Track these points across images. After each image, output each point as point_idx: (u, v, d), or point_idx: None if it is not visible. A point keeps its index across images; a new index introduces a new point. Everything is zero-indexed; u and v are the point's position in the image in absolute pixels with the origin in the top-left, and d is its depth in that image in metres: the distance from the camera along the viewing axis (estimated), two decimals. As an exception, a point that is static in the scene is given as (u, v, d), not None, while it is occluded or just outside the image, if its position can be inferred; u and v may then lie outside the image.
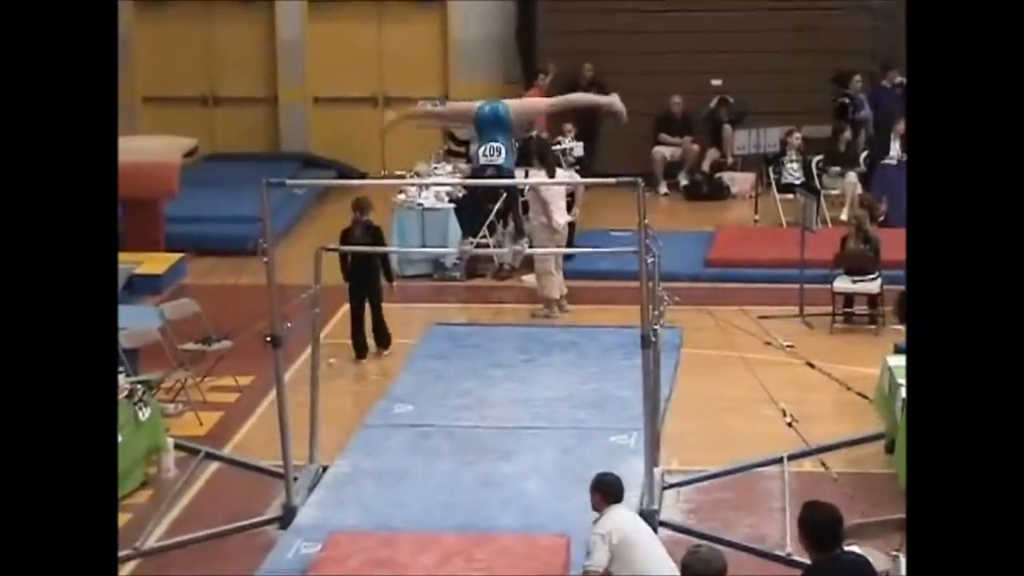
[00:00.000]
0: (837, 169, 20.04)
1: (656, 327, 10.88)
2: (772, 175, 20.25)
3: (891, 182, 19.23)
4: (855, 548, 7.80)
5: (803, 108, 21.04)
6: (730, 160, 21.67)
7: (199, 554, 10.90)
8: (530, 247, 14.54)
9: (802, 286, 16.07)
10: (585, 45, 21.41)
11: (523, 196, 16.01)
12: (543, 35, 22.05)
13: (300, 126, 23.09)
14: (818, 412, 13.01)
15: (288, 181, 12.05)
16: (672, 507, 11.47)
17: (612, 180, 11.05)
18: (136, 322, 14.00)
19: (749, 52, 21.55)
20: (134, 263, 16.59)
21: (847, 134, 20.38)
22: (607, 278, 16.10)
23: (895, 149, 19.82)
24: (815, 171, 19.90)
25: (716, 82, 21.88)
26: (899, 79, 20.76)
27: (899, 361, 11.92)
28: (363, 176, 21.85)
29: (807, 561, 7.40)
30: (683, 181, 21.69)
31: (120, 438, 11.15)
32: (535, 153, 17.17)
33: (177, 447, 12.53)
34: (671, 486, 11.70)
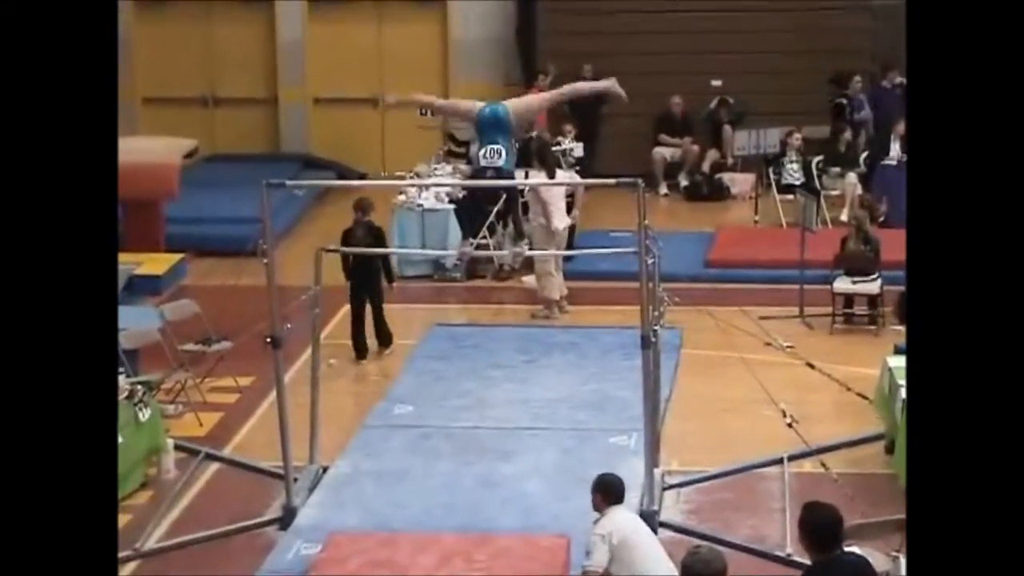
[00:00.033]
0: (837, 170, 20.04)
1: (656, 328, 10.88)
2: (772, 176, 20.26)
3: (891, 183, 19.23)
4: (855, 549, 7.81)
5: (803, 109, 21.06)
6: (730, 161, 21.68)
7: (199, 555, 10.90)
8: (530, 248, 14.55)
9: (802, 287, 16.08)
10: (585, 46, 21.42)
11: (523, 197, 16.00)
12: (543, 36, 22.06)
13: (300, 127, 23.10)
14: (818, 413, 13.01)
15: (288, 182, 12.05)
16: (672, 508, 11.46)
17: (612, 181, 11.04)
18: (136, 323, 14.01)
19: (749, 53, 21.57)
20: (134, 264, 16.60)
21: (847, 135, 20.39)
22: (607, 279, 16.10)
23: (895, 150, 19.83)
24: (815, 172, 19.90)
25: (716, 83, 21.90)
26: (899, 80, 20.78)
27: (899, 362, 11.92)
28: (363, 177, 21.85)
29: (807, 562, 7.40)
30: (683, 182, 21.69)
31: (120, 439, 11.15)
32: (535, 154, 17.17)
33: (177, 448, 12.53)
34: (671, 487, 11.70)
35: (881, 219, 18.98)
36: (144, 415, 12.17)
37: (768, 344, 13.27)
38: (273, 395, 11.67)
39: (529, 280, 17.16)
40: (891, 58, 20.63)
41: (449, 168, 19.41)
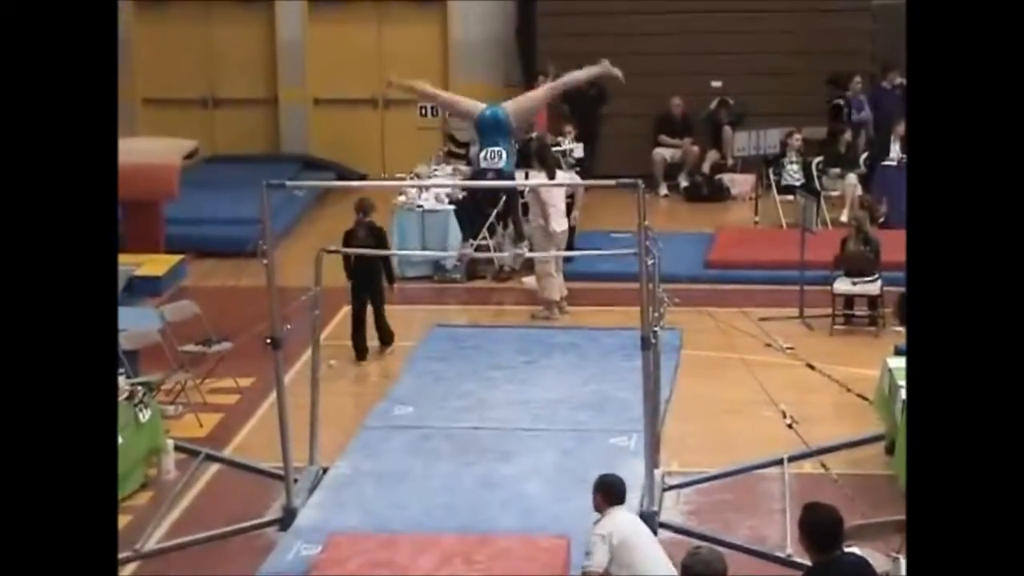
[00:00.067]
0: (837, 171, 20.04)
1: (656, 329, 10.87)
2: (772, 177, 20.25)
3: (891, 183, 19.22)
4: (855, 549, 7.80)
5: (803, 110, 21.05)
6: (730, 162, 21.67)
7: (199, 556, 10.89)
8: (530, 249, 14.55)
9: (802, 288, 16.07)
10: (585, 47, 21.22)
11: (523, 198, 16.00)
12: (543, 36, 22.05)
13: (300, 128, 23.09)
14: (818, 414, 13.01)
15: (288, 183, 12.06)
16: (672, 509, 11.46)
17: (612, 182, 11.03)
18: (136, 324, 14.01)
19: (749, 54, 21.57)
20: (134, 265, 16.61)
21: (847, 135, 20.39)
22: (607, 280, 16.11)
23: (895, 150, 19.82)
24: (815, 173, 19.90)
25: (716, 84, 21.89)
26: (899, 80, 20.78)
27: (899, 363, 11.92)
28: (363, 178, 21.89)
29: (807, 562, 7.40)
30: (683, 183, 21.69)
31: (120, 440, 11.14)
32: (535, 155, 17.17)
33: (177, 449, 12.53)
34: (671, 488, 11.69)
35: (881, 220, 18.98)
36: (144, 416, 12.17)
37: (768, 345, 13.28)
38: (273, 396, 11.67)
39: (529, 281, 17.16)
40: (891, 59, 20.64)
41: (449, 169, 19.42)
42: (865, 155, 20.38)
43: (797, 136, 20.27)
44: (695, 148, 21.77)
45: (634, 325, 10.95)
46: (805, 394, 13.26)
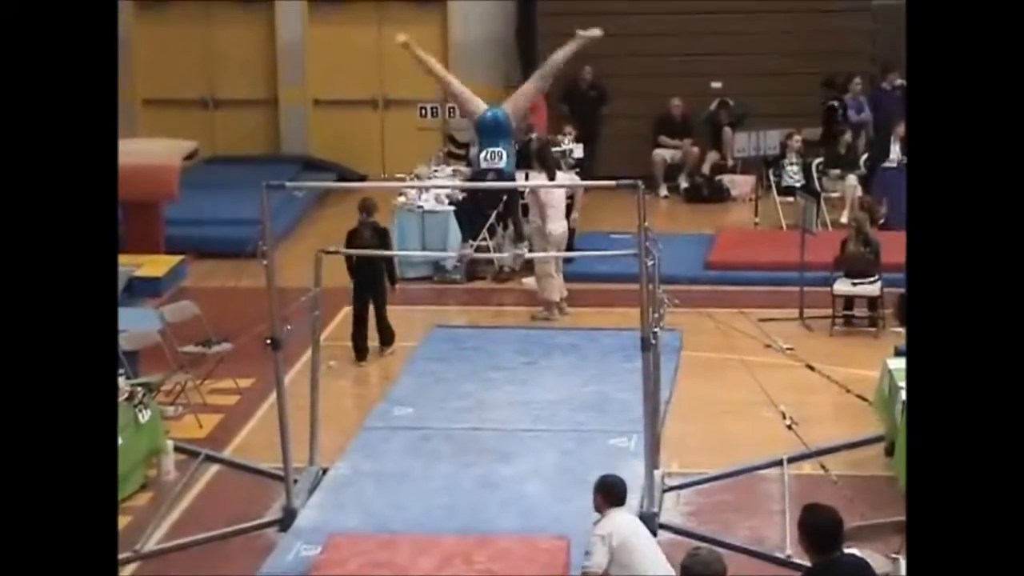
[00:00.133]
0: (837, 172, 20.04)
1: (656, 330, 10.88)
2: (772, 178, 20.25)
3: (891, 185, 19.22)
4: (855, 550, 7.80)
5: (803, 111, 21.05)
6: (730, 163, 21.67)
7: (199, 557, 10.89)
8: (530, 250, 14.54)
9: (802, 289, 16.07)
10: (585, 47, 21.37)
11: (523, 199, 16.00)
12: (543, 37, 21.97)
13: (300, 128, 23.09)
14: (818, 415, 13.01)
15: (288, 184, 12.07)
16: (672, 510, 11.46)
17: (612, 183, 11.03)
18: (136, 324, 14.01)
19: (749, 55, 21.56)
20: (134, 266, 16.61)
21: (847, 137, 20.39)
22: (607, 281, 16.12)
23: (895, 152, 19.82)
24: (815, 174, 19.90)
25: (716, 84, 21.88)
26: (899, 81, 20.77)
27: (899, 364, 11.92)
28: (363, 178, 21.89)
29: (807, 563, 7.40)
30: (683, 184, 21.68)
31: (120, 440, 11.14)
32: (535, 155, 17.17)
33: (177, 449, 12.53)
34: (671, 488, 11.69)
35: (881, 221, 18.97)
36: (144, 417, 12.17)
37: (768, 346, 13.28)
38: (273, 397, 11.67)
39: (529, 282, 17.15)
40: (891, 60, 20.63)
41: (449, 170, 19.42)
42: (865, 156, 20.37)
43: (797, 137, 20.27)
44: (695, 149, 21.76)
45: (634, 326, 10.96)
46: (805, 395, 13.26)
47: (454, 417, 13.06)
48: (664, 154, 21.75)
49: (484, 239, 17.41)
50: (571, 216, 17.35)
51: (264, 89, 23.17)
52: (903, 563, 8.88)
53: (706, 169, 21.71)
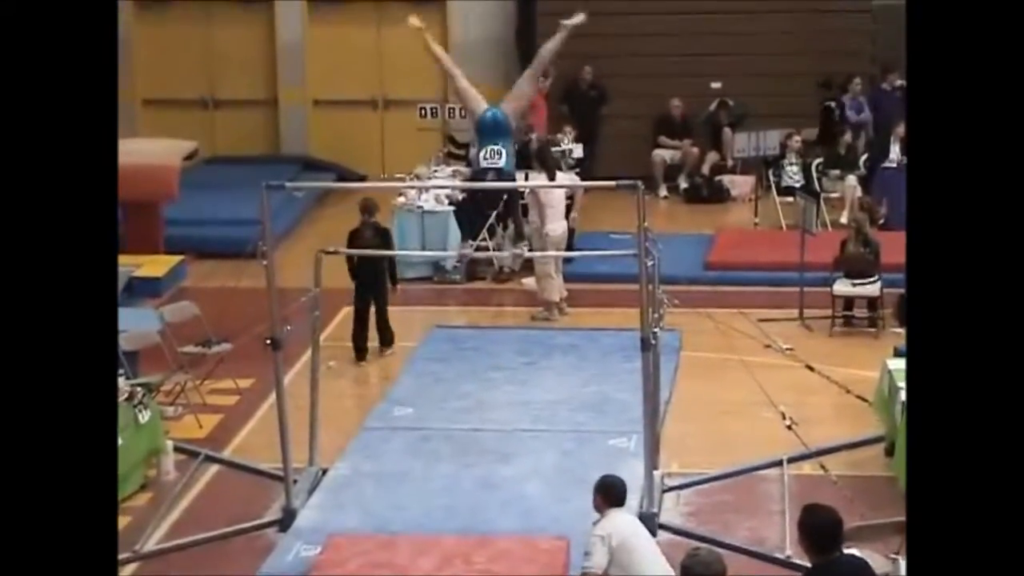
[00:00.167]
0: (837, 172, 20.05)
1: (656, 330, 10.88)
2: (772, 178, 20.25)
3: (891, 185, 19.22)
4: (854, 551, 7.81)
5: (803, 111, 21.05)
6: (730, 163, 21.66)
7: (199, 557, 10.89)
8: (530, 250, 14.54)
9: (802, 289, 16.07)
10: (585, 48, 21.30)
11: (523, 199, 16.00)
12: (543, 37, 21.86)
13: (300, 129, 23.09)
14: (818, 415, 13.01)
15: (288, 184, 12.06)
16: (672, 510, 11.46)
17: (612, 183, 11.03)
18: (136, 325, 14.01)
19: (749, 55, 21.56)
20: (134, 266, 16.61)
21: (847, 137, 20.40)
22: (607, 281, 16.12)
23: (895, 152, 19.82)
24: (815, 174, 19.90)
25: (716, 85, 21.88)
26: (899, 82, 20.77)
27: (899, 364, 11.92)
28: (363, 179, 21.89)
29: (807, 564, 7.40)
30: (683, 184, 21.68)
31: (120, 441, 11.14)
32: (535, 155, 17.18)
33: (177, 450, 12.53)
34: (671, 489, 11.69)
35: (881, 221, 18.97)
36: (144, 417, 12.17)
37: (768, 346, 13.29)
38: (273, 397, 11.67)
39: (529, 282, 17.16)
40: (891, 60, 20.63)
41: (449, 170, 19.41)
42: (865, 157, 20.37)
43: (797, 137, 20.27)
44: (695, 149, 21.76)
45: (634, 326, 10.96)
46: (805, 395, 13.26)
47: (454, 417, 13.06)
48: (664, 154, 21.75)
49: (484, 239, 17.41)
50: (571, 216, 17.35)
51: (264, 89, 23.16)
52: (903, 563, 8.88)
53: (706, 169, 21.70)
